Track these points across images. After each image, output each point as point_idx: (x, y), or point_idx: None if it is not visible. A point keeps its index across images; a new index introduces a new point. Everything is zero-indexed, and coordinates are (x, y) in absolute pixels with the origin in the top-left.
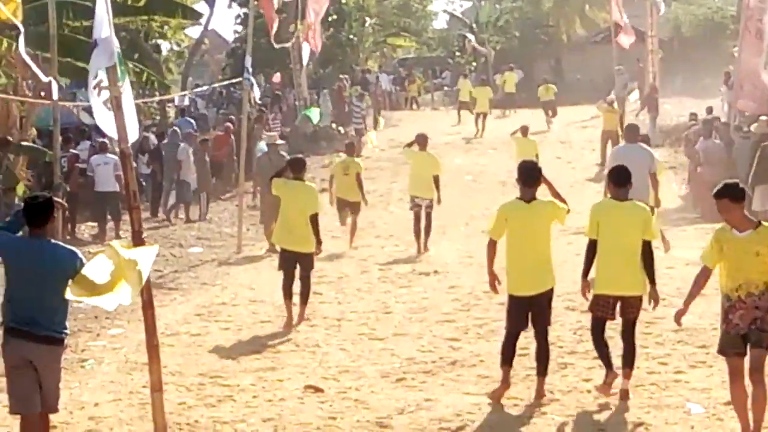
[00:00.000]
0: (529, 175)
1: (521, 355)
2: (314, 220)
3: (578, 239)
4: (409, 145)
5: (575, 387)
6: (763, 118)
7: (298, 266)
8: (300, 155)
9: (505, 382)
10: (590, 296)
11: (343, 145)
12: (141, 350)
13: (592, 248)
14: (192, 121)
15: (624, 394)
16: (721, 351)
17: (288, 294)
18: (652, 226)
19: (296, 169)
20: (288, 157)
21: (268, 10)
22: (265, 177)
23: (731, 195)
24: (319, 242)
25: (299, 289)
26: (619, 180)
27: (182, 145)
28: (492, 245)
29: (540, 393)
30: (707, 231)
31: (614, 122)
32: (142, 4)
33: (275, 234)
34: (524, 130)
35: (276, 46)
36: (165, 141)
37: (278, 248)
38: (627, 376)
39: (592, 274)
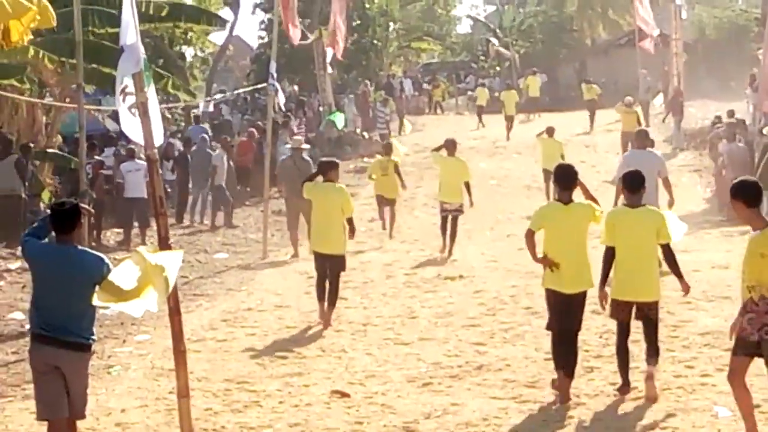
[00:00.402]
0: (567, 178)
1: (546, 359)
2: (350, 222)
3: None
4: (437, 149)
5: (602, 391)
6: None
7: (328, 269)
8: (332, 157)
9: (565, 390)
10: (607, 305)
11: (368, 150)
12: (167, 356)
13: (609, 255)
14: (206, 127)
15: (649, 377)
16: (733, 350)
17: (321, 296)
18: (666, 228)
19: (328, 171)
20: (311, 162)
21: (286, 13)
22: (289, 181)
23: (743, 196)
24: (352, 230)
25: (328, 292)
26: (632, 186)
27: (218, 150)
28: (530, 234)
29: (566, 396)
30: (732, 234)
31: (633, 123)
32: (166, 11)
33: (311, 240)
34: (550, 131)
35: (296, 43)
36: (194, 148)
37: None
38: (653, 363)
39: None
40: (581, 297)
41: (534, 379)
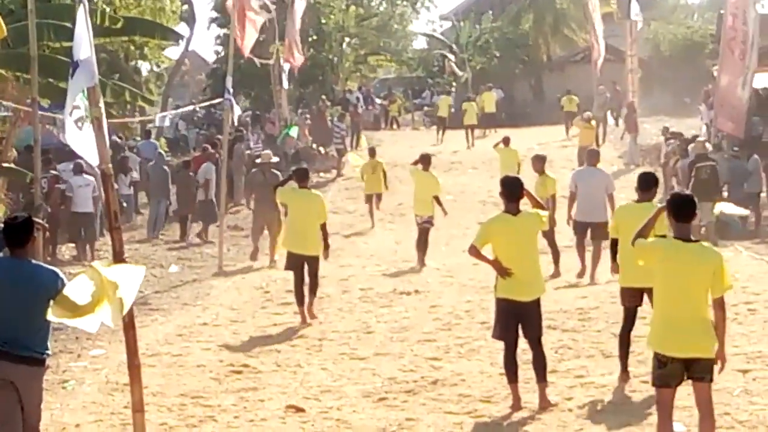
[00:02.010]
0: (513, 190)
1: (501, 374)
2: (323, 228)
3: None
4: (415, 163)
5: (556, 405)
6: (700, 139)
7: (306, 267)
8: (304, 166)
9: (517, 398)
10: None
11: (324, 165)
12: (122, 371)
13: (614, 245)
14: (156, 143)
15: None
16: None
17: (300, 299)
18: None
19: (301, 178)
20: (279, 175)
21: (242, 25)
22: (258, 193)
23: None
24: (327, 247)
25: (308, 285)
26: (645, 185)
27: (207, 163)
28: (474, 250)
29: (544, 400)
30: None
31: (591, 138)
32: (120, 25)
33: (284, 239)
34: (506, 141)
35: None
36: (151, 163)
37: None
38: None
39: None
40: (536, 304)
41: (489, 394)
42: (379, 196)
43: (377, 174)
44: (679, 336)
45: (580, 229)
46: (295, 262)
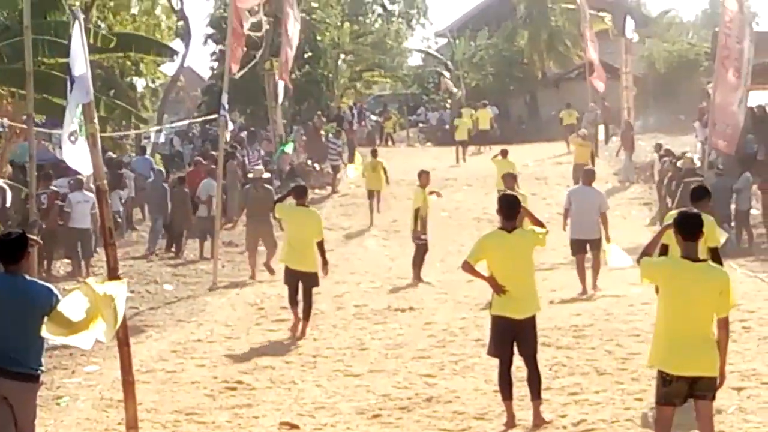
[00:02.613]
0: (510, 208)
1: (495, 391)
2: (320, 245)
3: (552, 275)
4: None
5: (550, 423)
6: (689, 155)
7: (300, 283)
8: (302, 183)
9: (511, 416)
10: None
11: (319, 182)
12: (116, 387)
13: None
14: (150, 159)
15: None
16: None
17: (293, 302)
18: (715, 233)
19: (300, 195)
20: (272, 190)
21: (236, 44)
22: (252, 208)
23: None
24: (325, 263)
25: (302, 305)
26: (697, 197)
27: (208, 179)
28: (467, 266)
29: (538, 417)
30: None
31: (586, 156)
32: (116, 41)
33: (283, 254)
34: (504, 153)
35: (235, 74)
36: (150, 180)
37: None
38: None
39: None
40: (531, 321)
41: (483, 411)
42: (379, 193)
43: (378, 172)
44: (684, 355)
45: (577, 247)
46: (291, 278)
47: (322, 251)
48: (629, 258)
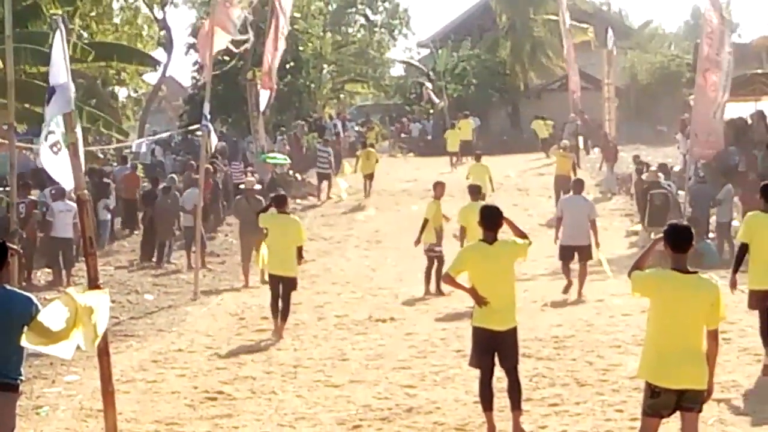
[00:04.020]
0: (492, 220)
1: (476, 402)
2: (299, 250)
3: (534, 287)
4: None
5: None
6: (653, 168)
7: (281, 286)
8: (282, 192)
9: (492, 427)
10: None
11: (300, 192)
12: (96, 397)
13: (743, 250)
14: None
15: None
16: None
17: (275, 309)
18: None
19: (280, 204)
20: (263, 201)
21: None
22: (244, 218)
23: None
24: (301, 257)
25: (281, 310)
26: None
27: (192, 188)
28: (448, 278)
29: (518, 428)
30: None
31: (568, 167)
32: (98, 50)
33: (268, 261)
34: (477, 157)
35: (202, 80)
36: (160, 187)
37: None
38: None
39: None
40: (512, 333)
41: (464, 422)
42: (372, 176)
43: (371, 160)
44: (673, 367)
45: (567, 252)
46: (273, 282)
47: (300, 254)
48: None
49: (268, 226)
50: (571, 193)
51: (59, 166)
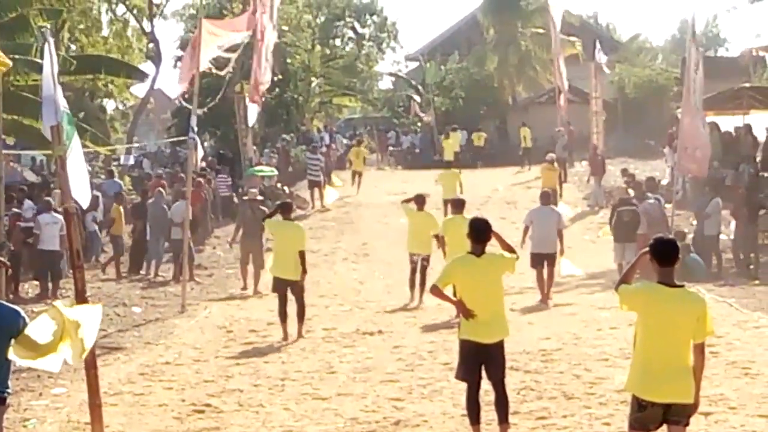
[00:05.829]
0: (480, 233)
1: (463, 415)
2: (302, 255)
3: (521, 299)
4: (407, 201)
5: None
6: (622, 185)
7: (289, 291)
8: (288, 200)
9: None
10: None
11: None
12: (84, 410)
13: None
14: (120, 182)
15: None
16: None
17: (283, 315)
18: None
19: (285, 211)
20: (266, 210)
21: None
22: (247, 226)
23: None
24: (304, 271)
25: (295, 310)
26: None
27: (180, 201)
28: (436, 290)
29: None
30: None
31: (553, 180)
32: (85, 64)
33: (272, 265)
34: (448, 165)
35: (180, 90)
36: (151, 200)
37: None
38: None
39: None
40: (500, 346)
41: None
42: (361, 174)
43: (360, 158)
44: (660, 381)
45: (537, 260)
46: (279, 286)
47: (303, 260)
48: (579, 269)
49: (273, 232)
50: (539, 204)
51: (74, 180)
